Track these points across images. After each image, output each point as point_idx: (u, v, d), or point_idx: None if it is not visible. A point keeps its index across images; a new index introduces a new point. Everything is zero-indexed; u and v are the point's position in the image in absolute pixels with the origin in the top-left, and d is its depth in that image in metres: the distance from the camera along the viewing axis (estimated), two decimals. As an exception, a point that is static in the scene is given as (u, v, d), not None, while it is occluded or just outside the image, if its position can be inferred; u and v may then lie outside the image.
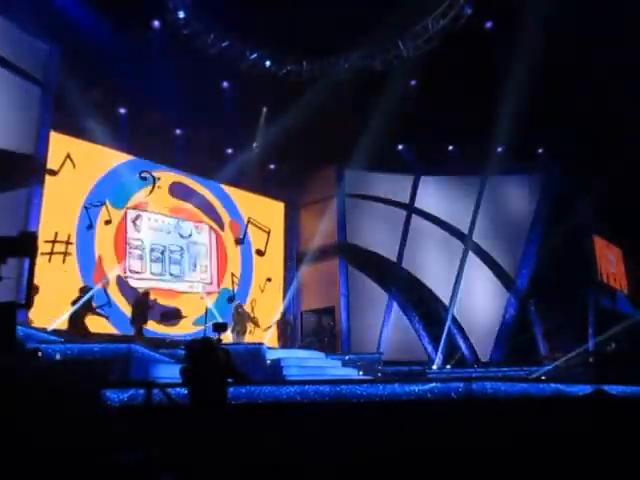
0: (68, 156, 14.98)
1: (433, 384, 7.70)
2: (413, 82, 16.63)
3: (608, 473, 6.76)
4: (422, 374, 14.30)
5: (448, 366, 16.16)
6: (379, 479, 6.46)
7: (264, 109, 17.86)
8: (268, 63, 16.46)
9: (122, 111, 15.83)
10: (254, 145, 18.44)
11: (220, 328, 8.87)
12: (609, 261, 19.86)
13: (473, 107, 15.48)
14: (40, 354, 7.28)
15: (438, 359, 17.17)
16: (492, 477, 6.47)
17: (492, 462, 6.56)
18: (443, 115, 16.03)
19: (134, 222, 16.45)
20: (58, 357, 8.64)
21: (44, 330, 10.08)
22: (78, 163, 15.19)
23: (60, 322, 12.09)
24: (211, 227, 18.45)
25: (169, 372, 9.12)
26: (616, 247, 20.26)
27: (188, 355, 5.90)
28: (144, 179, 16.94)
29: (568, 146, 17.13)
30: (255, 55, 16.29)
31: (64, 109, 13.87)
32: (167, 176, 17.55)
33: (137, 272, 16.11)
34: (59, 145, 14.51)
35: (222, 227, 18.82)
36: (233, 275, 18.37)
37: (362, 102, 16.03)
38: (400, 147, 19.12)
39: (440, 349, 17.52)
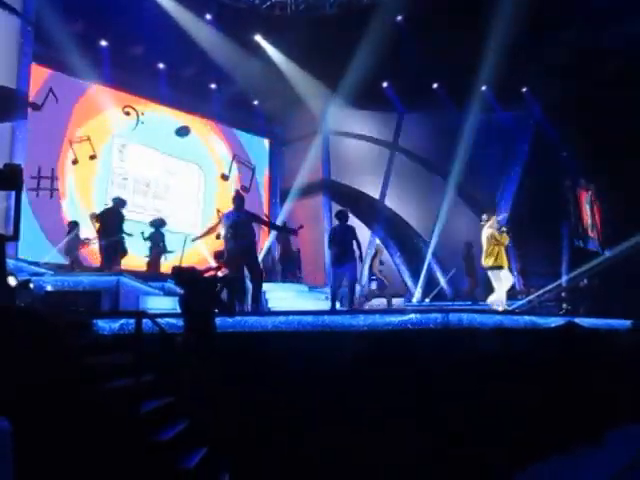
0: (51, 90, 14.79)
1: (412, 315, 7.96)
2: (399, 18, 16.36)
3: (575, 398, 7.29)
4: (401, 307, 14.72)
5: (427, 300, 16.62)
6: (363, 406, 6.90)
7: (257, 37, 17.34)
8: (252, -6, 16.06)
9: (104, 44, 15.52)
10: None
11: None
12: (584, 201, 20.23)
13: (458, 44, 15.34)
14: (31, 286, 7.54)
15: (418, 293, 17.64)
16: (466, 400, 6.93)
17: (466, 386, 7.01)
18: (428, 52, 15.90)
19: (120, 151, 16.49)
20: (49, 289, 8.88)
21: (35, 263, 10.27)
22: (61, 97, 15.04)
23: (51, 255, 12.34)
24: (197, 164, 18.48)
25: (158, 303, 9.45)
26: (590, 187, 20.55)
27: (178, 282, 6.14)
28: (127, 114, 16.83)
29: (552, 87, 17.16)
30: (238, -14, 15.87)
31: (45, 41, 13.60)
32: (151, 111, 17.44)
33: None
34: (41, 79, 14.33)
35: (208, 163, 18.87)
36: (218, 211, 18.47)
37: (347, 38, 15.81)
38: (385, 84, 18.98)
39: (420, 284, 17.98)
